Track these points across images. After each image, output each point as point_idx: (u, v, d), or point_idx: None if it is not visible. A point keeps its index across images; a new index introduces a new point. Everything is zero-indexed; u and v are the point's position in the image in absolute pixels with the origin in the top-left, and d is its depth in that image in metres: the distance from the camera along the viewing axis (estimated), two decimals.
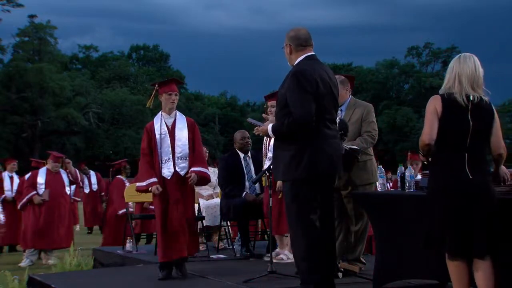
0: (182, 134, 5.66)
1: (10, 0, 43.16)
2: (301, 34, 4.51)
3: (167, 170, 5.58)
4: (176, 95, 5.73)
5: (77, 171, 10.24)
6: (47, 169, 9.64)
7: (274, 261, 5.98)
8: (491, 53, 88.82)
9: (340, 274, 5.08)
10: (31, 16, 45.64)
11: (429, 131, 3.83)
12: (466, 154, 3.79)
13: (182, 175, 5.60)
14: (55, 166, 9.64)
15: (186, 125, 5.73)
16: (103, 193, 14.85)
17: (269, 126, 4.44)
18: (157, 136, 5.61)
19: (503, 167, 4.01)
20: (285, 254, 6.34)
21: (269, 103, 6.28)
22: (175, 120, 5.72)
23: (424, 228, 3.96)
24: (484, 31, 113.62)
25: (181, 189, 5.60)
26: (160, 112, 5.76)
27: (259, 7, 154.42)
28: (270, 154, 6.08)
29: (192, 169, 5.64)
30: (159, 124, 5.66)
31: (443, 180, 3.81)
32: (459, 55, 3.94)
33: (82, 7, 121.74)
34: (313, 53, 4.51)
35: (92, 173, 15.20)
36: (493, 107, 3.91)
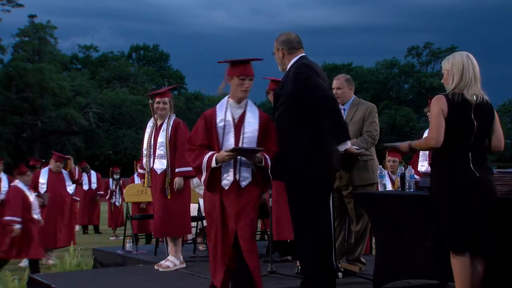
0: (251, 131, 4.30)
1: (10, 0, 43.17)
2: (292, 38, 4.53)
3: (225, 179, 4.25)
4: (251, 79, 4.34)
5: (77, 168, 10.24)
6: (49, 169, 9.68)
7: (160, 269, 5.99)
8: (491, 53, 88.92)
9: (340, 274, 5.08)
10: (31, 16, 45.65)
11: (437, 134, 3.82)
12: (470, 153, 3.80)
13: (243, 186, 4.25)
14: (56, 166, 9.67)
15: (257, 120, 4.33)
16: (102, 192, 14.90)
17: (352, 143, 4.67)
18: (219, 130, 4.29)
19: None
20: (170, 261, 6.14)
21: (159, 99, 6.24)
22: (244, 112, 4.36)
23: (430, 228, 3.96)
24: (484, 31, 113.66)
25: (240, 203, 4.24)
26: (225, 98, 4.42)
27: (259, 7, 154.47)
28: None
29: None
30: (223, 113, 4.33)
31: (449, 180, 3.81)
32: (462, 53, 3.91)
33: (82, 7, 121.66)
34: (304, 54, 4.52)
35: (92, 172, 15.24)
36: (492, 105, 3.92)
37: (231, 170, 4.23)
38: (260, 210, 6.78)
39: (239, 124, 4.30)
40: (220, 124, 4.29)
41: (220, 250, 4.21)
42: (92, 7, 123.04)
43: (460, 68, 3.85)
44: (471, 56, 3.89)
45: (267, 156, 4.19)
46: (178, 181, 6.13)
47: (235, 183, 4.23)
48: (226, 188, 4.24)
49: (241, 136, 4.26)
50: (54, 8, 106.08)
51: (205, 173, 4.22)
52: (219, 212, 4.23)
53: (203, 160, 4.19)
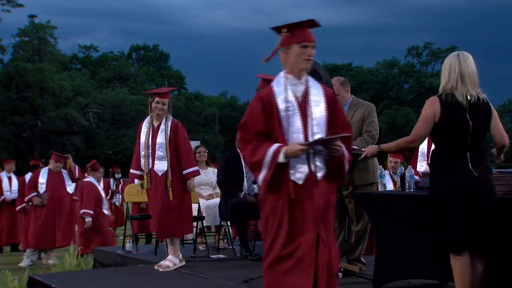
0: (319, 110, 3.51)
1: (10, 0, 43.16)
2: None
3: (298, 170, 3.43)
4: (313, 47, 3.54)
5: (77, 167, 10.27)
6: (49, 169, 9.69)
7: (160, 270, 5.93)
8: (491, 53, 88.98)
9: (340, 274, 5.08)
10: (31, 16, 45.64)
11: (421, 137, 3.90)
12: (468, 153, 3.81)
13: (319, 178, 3.46)
14: (56, 166, 9.69)
15: (323, 97, 3.55)
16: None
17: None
18: (282, 113, 3.46)
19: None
20: (170, 261, 6.09)
21: (158, 99, 6.14)
22: (307, 88, 3.55)
23: (430, 228, 3.96)
24: (484, 31, 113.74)
25: (320, 200, 3.45)
26: (281, 74, 3.59)
27: (259, 7, 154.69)
28: None
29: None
30: (283, 92, 3.50)
31: (447, 180, 3.81)
32: (454, 53, 3.94)
33: (82, 7, 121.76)
34: None
35: None
36: (490, 103, 3.92)
37: (304, 159, 3.41)
38: (254, 211, 6.79)
39: (303, 104, 3.49)
40: (282, 105, 3.45)
41: (302, 262, 3.34)
42: (92, 7, 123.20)
43: (448, 69, 3.88)
44: (462, 56, 3.88)
45: (341, 144, 3.45)
46: (190, 182, 6.22)
47: (311, 175, 3.43)
48: (300, 182, 3.40)
49: (309, 118, 3.47)
50: (54, 8, 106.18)
51: (266, 170, 3.37)
52: (288, 214, 3.39)
53: (267, 154, 3.36)
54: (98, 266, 7.51)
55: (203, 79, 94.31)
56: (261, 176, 3.41)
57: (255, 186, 6.99)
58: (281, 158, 3.34)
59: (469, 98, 3.82)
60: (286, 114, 3.44)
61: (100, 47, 78.48)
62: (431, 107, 3.85)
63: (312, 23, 3.54)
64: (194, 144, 9.83)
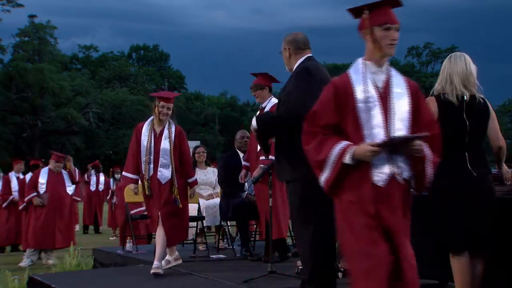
0: (402, 104, 3.05)
1: (10, 0, 43.18)
2: (299, 38, 4.54)
3: (378, 172, 2.98)
4: (397, 29, 3.07)
5: (77, 170, 10.26)
6: (49, 169, 9.68)
7: (152, 271, 5.76)
8: (491, 53, 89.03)
9: (340, 274, 5.08)
10: (31, 16, 45.73)
11: None
12: (466, 153, 3.80)
13: (401, 180, 3.01)
14: (56, 166, 9.68)
15: (406, 89, 3.11)
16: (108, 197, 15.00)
17: (253, 119, 4.37)
18: (360, 105, 2.99)
19: (505, 167, 4.04)
20: (166, 260, 6.00)
21: (163, 103, 5.98)
22: (388, 78, 3.09)
23: (430, 228, 3.96)
24: (484, 31, 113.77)
25: (404, 205, 3.05)
26: (359, 60, 3.12)
27: (259, 7, 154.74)
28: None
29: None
30: (361, 80, 3.04)
31: (447, 180, 3.81)
32: (450, 55, 3.97)
33: (82, 7, 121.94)
34: (311, 55, 4.54)
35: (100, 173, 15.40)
36: (488, 103, 3.92)
37: (385, 159, 2.95)
38: (255, 210, 6.79)
39: (384, 95, 3.02)
40: (360, 96, 2.98)
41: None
42: (92, 7, 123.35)
43: (441, 71, 3.92)
44: (454, 56, 3.90)
45: (422, 143, 2.99)
46: (194, 189, 6.28)
47: (393, 177, 2.97)
48: (381, 184, 2.95)
49: (390, 112, 3.00)
50: (54, 8, 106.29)
51: (329, 171, 2.98)
52: (375, 221, 2.93)
53: (332, 153, 2.95)
54: (98, 266, 7.51)
55: (203, 79, 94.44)
56: (323, 177, 3.01)
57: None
58: (347, 159, 2.92)
59: (465, 98, 3.82)
60: (365, 106, 2.96)
61: (100, 47, 78.72)
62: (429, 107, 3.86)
63: (394, 2, 3.05)
64: (194, 144, 9.83)
